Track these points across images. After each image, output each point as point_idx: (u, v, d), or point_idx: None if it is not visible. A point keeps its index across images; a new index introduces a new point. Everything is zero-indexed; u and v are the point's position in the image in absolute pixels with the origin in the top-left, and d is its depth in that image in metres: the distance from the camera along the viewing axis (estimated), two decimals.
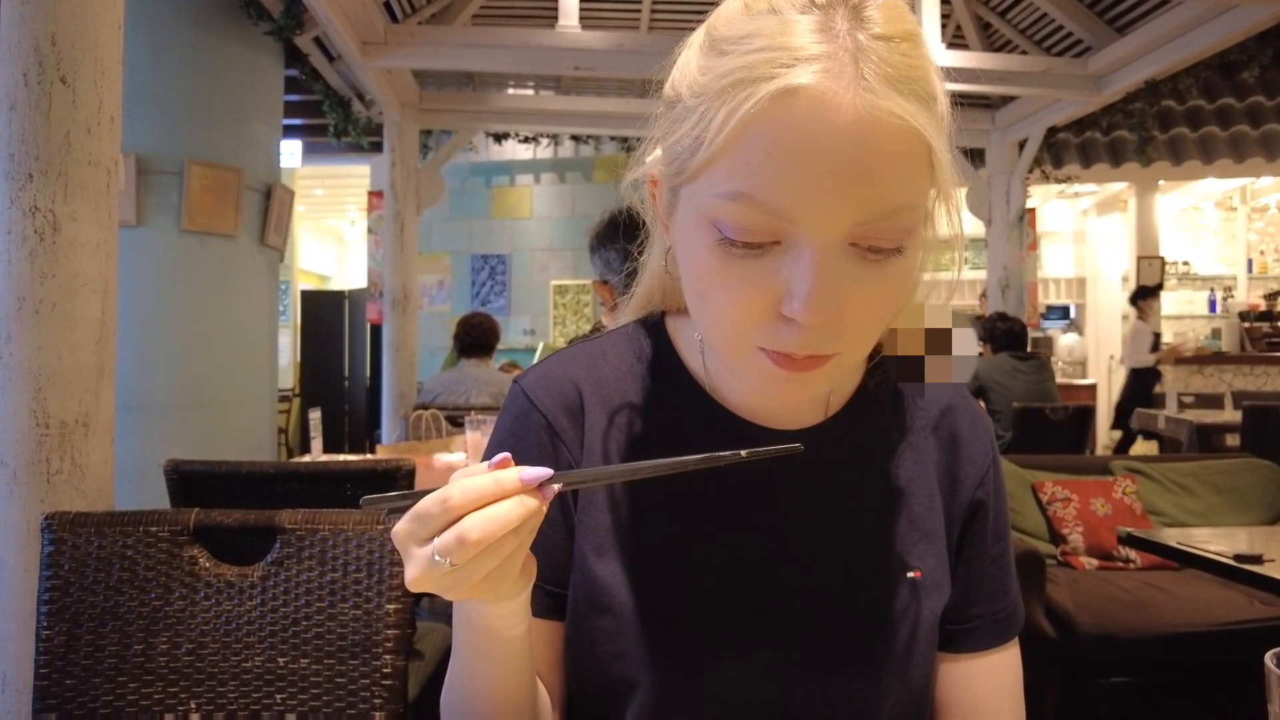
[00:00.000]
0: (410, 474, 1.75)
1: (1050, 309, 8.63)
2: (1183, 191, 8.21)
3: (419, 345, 4.87)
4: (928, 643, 0.65)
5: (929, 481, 0.67)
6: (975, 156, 5.40)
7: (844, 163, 0.47)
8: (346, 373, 7.55)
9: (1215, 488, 2.86)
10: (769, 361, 0.53)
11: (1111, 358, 7.90)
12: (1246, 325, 7.97)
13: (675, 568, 0.62)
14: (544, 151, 7.26)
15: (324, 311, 7.72)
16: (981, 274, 6.44)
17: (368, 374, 7.36)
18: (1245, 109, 5.68)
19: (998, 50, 4.80)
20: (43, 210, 1.48)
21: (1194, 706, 2.37)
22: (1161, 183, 7.16)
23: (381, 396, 4.78)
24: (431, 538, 0.45)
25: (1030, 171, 5.19)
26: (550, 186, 8.08)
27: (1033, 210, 6.25)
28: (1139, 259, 7.18)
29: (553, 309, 8.04)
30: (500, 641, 0.55)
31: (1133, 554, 2.63)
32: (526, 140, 5.40)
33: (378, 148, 5.00)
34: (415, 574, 0.46)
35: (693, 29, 0.56)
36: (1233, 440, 4.44)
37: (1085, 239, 8.67)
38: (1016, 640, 0.70)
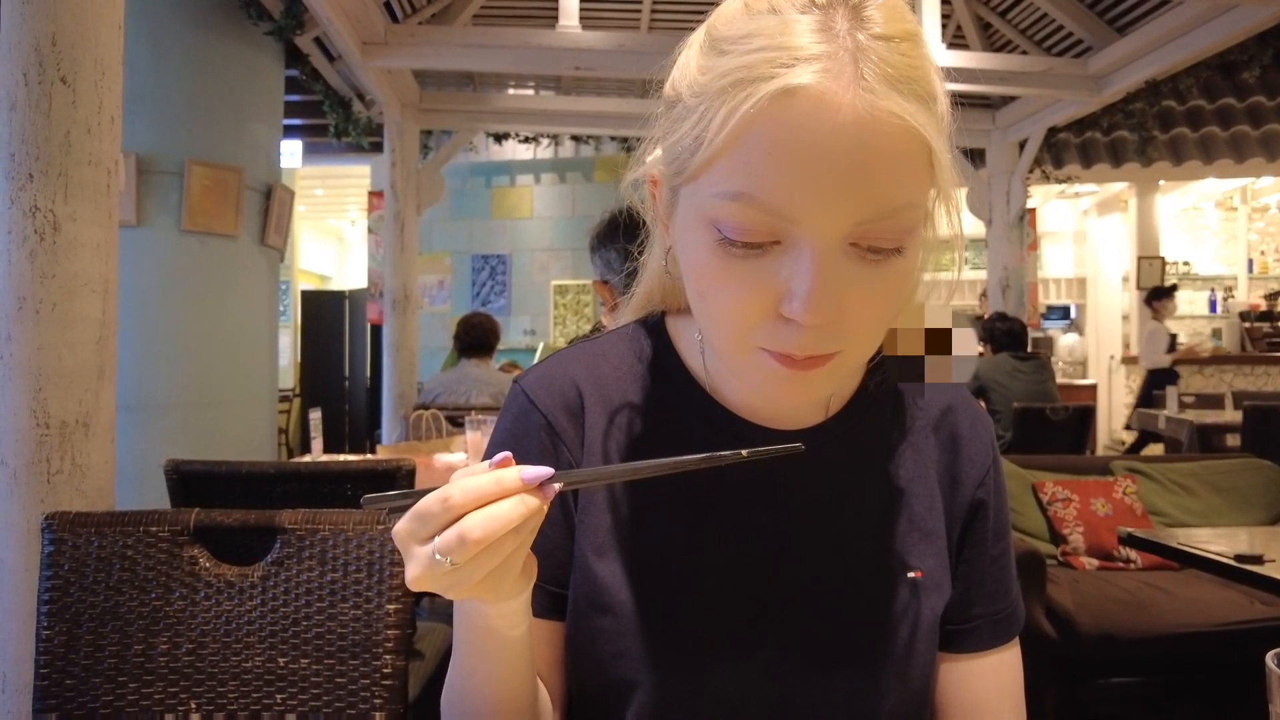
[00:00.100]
0: (410, 474, 1.75)
1: (1050, 309, 8.63)
2: (1183, 191, 8.21)
3: (419, 345, 4.87)
4: (928, 643, 0.65)
5: (929, 481, 0.67)
6: (975, 156, 5.40)
7: (844, 163, 0.47)
8: (347, 373, 7.56)
9: (1216, 488, 2.86)
10: (772, 361, 0.53)
11: (1112, 358, 7.90)
12: (1247, 325, 7.97)
13: (675, 568, 0.62)
14: (544, 151, 7.26)
15: (324, 311, 7.73)
16: (982, 274, 6.44)
17: (368, 374, 7.36)
18: (1246, 109, 5.68)
19: (998, 50, 4.80)
20: (43, 210, 1.48)
21: (1195, 707, 2.37)
22: (1162, 183, 7.16)
23: (382, 396, 4.78)
24: (432, 537, 0.45)
25: (1030, 171, 5.19)
26: (550, 186, 8.08)
27: (1033, 210, 6.24)
28: (1139, 259, 7.18)
29: (553, 309, 8.04)
30: (501, 641, 0.55)
31: (1133, 554, 2.63)
32: (527, 140, 5.40)
33: (378, 148, 5.00)
34: (416, 573, 0.46)
35: (693, 29, 0.56)
36: (1233, 440, 4.44)
37: (1085, 239, 8.67)
38: (1017, 640, 0.70)
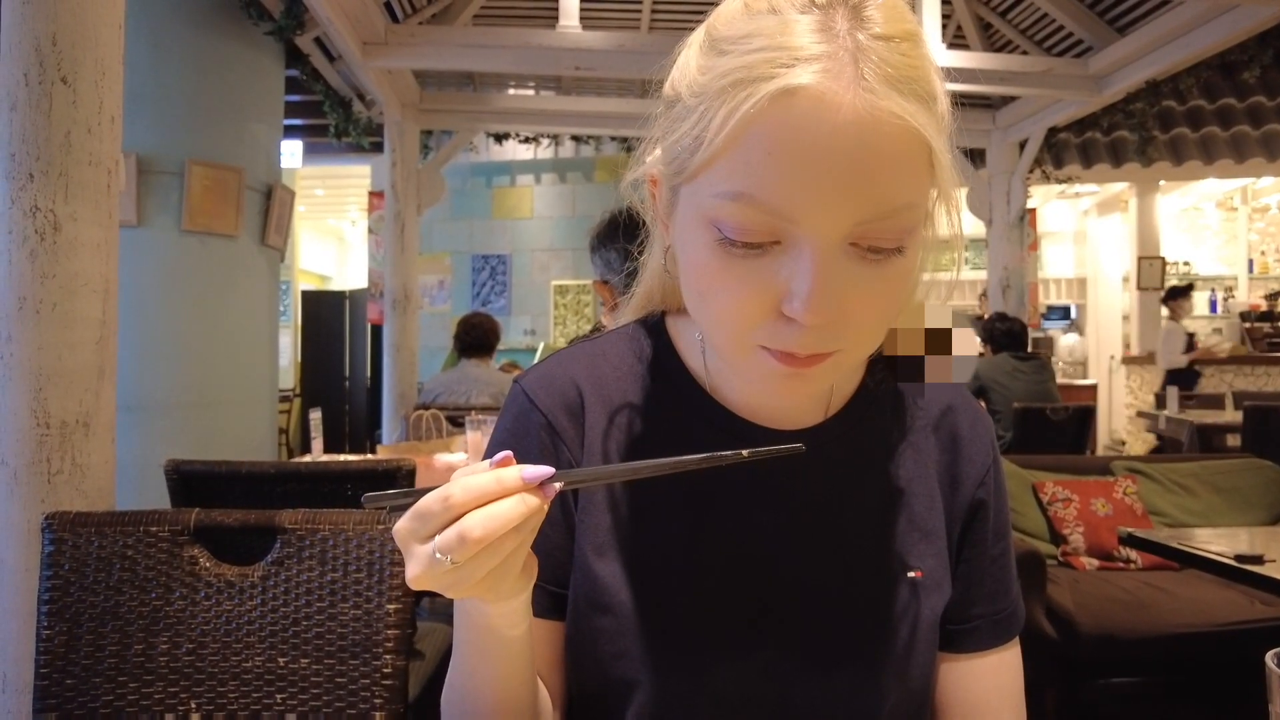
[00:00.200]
0: (411, 474, 1.75)
1: (1051, 309, 8.63)
2: (1183, 192, 8.21)
3: (419, 345, 4.87)
4: (928, 643, 0.65)
5: (929, 481, 0.67)
6: (976, 156, 5.40)
7: (844, 163, 0.47)
8: (347, 373, 7.56)
9: (1216, 488, 2.86)
10: (772, 359, 0.53)
11: (1112, 358, 7.89)
12: (1247, 325, 7.97)
13: (676, 567, 0.62)
14: (544, 152, 7.26)
15: (324, 311, 7.73)
16: (982, 274, 6.44)
17: (368, 374, 7.36)
18: (1246, 109, 5.68)
19: (998, 50, 4.80)
20: (43, 210, 1.48)
21: (1195, 707, 2.37)
22: (1162, 183, 7.16)
23: (382, 396, 4.78)
24: (433, 535, 0.45)
25: (1031, 172, 5.19)
26: (551, 187, 8.08)
27: (1033, 210, 6.24)
28: (1140, 259, 7.18)
29: (553, 309, 8.04)
30: (501, 641, 0.55)
31: (1133, 554, 2.63)
32: (527, 140, 5.40)
33: (378, 148, 5.00)
34: (416, 572, 0.46)
35: (693, 29, 0.56)
36: (1233, 440, 4.44)
37: (1086, 239, 8.66)
38: (1017, 640, 0.70)
